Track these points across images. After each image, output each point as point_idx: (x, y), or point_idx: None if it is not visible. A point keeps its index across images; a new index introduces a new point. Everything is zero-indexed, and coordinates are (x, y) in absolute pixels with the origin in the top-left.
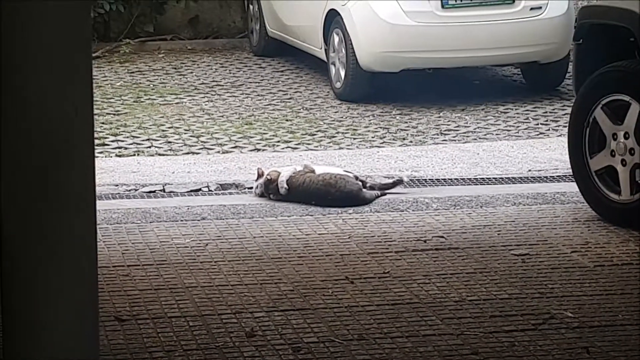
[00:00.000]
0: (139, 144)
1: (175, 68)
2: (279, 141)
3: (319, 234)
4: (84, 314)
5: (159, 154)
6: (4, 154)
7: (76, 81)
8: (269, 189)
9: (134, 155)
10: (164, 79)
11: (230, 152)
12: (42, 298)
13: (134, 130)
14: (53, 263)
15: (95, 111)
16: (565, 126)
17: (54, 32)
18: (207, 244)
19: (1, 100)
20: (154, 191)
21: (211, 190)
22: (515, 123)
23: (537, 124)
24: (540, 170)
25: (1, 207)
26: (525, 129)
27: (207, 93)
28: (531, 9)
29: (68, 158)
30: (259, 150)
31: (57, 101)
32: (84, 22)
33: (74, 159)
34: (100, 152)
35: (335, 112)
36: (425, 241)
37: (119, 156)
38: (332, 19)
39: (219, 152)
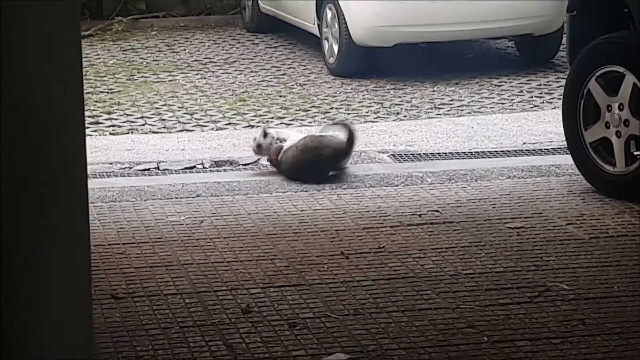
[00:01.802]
0: (133, 122)
1: (168, 45)
2: (272, 117)
3: (314, 210)
4: (78, 309)
5: (153, 132)
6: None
7: (65, 60)
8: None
9: (128, 133)
10: (157, 57)
11: (224, 129)
12: (36, 293)
13: (128, 109)
14: (46, 251)
15: (89, 90)
16: (559, 99)
17: (42, 11)
18: (202, 221)
19: None
20: (149, 169)
21: (205, 168)
22: (509, 96)
23: (532, 97)
24: (535, 143)
25: None
26: (519, 102)
27: (200, 70)
28: None
29: (58, 140)
30: (252, 127)
31: (46, 81)
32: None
33: (64, 141)
34: (94, 131)
35: (329, 88)
36: (420, 215)
37: (113, 134)
38: None
39: (212, 129)
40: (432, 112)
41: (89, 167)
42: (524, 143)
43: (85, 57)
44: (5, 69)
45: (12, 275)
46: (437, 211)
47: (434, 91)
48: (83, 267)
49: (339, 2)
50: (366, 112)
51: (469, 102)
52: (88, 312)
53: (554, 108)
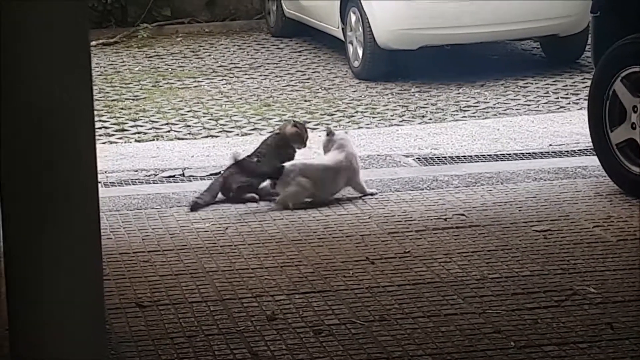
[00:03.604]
0: (158, 128)
1: (193, 51)
2: None
3: (339, 215)
4: (90, 311)
5: (178, 138)
6: (3, 146)
7: (74, 70)
8: None
9: (153, 140)
10: (182, 63)
11: (249, 134)
12: (47, 295)
13: (153, 115)
14: (57, 256)
15: (114, 97)
16: (585, 99)
17: (50, 20)
18: (227, 228)
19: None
20: (174, 176)
21: None
22: (535, 97)
23: (558, 98)
24: (561, 145)
25: (3, 202)
26: (545, 103)
27: (225, 75)
28: None
29: (68, 149)
30: None
31: (55, 91)
32: (80, 10)
33: (74, 150)
34: (120, 138)
35: (354, 92)
36: (445, 219)
37: (138, 141)
38: None
39: (237, 134)
40: (457, 114)
41: (114, 174)
42: (550, 145)
43: (111, 64)
44: (14, 81)
45: (23, 277)
46: (462, 215)
47: (459, 93)
48: (94, 269)
49: (363, 5)
50: (391, 116)
51: (495, 104)
52: (100, 316)
53: (580, 109)
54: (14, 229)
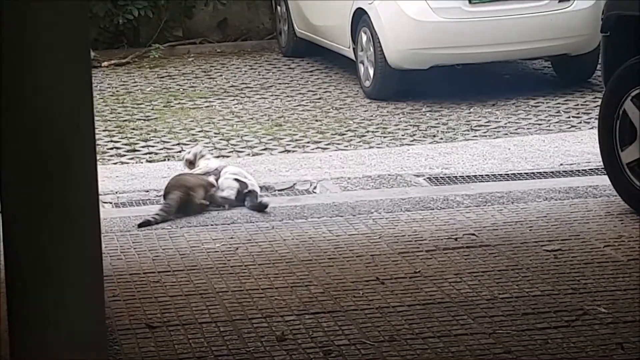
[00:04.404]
0: (169, 148)
1: (204, 71)
2: (308, 142)
3: (349, 235)
4: (91, 313)
5: None
6: (5, 161)
7: (76, 90)
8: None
9: (164, 160)
10: (193, 83)
11: (260, 154)
12: (49, 298)
13: (164, 135)
14: (59, 265)
15: (126, 117)
16: (597, 119)
17: (51, 40)
18: (237, 248)
19: (1, 109)
20: None
21: None
22: (546, 117)
23: (569, 117)
24: (572, 164)
25: (4, 217)
26: (556, 122)
27: (236, 95)
28: (559, 1)
29: (69, 168)
30: (288, 151)
31: (56, 112)
32: (81, 30)
33: (75, 169)
34: (131, 158)
35: (365, 111)
36: (456, 239)
37: (150, 162)
38: (360, 18)
39: (248, 154)
40: (468, 134)
41: (125, 194)
42: (561, 164)
43: (123, 84)
44: (17, 99)
45: (25, 290)
46: (473, 234)
47: (470, 113)
48: (97, 285)
49: (374, 25)
50: (402, 135)
51: (506, 124)
52: (100, 320)
53: (591, 128)
54: (14, 235)
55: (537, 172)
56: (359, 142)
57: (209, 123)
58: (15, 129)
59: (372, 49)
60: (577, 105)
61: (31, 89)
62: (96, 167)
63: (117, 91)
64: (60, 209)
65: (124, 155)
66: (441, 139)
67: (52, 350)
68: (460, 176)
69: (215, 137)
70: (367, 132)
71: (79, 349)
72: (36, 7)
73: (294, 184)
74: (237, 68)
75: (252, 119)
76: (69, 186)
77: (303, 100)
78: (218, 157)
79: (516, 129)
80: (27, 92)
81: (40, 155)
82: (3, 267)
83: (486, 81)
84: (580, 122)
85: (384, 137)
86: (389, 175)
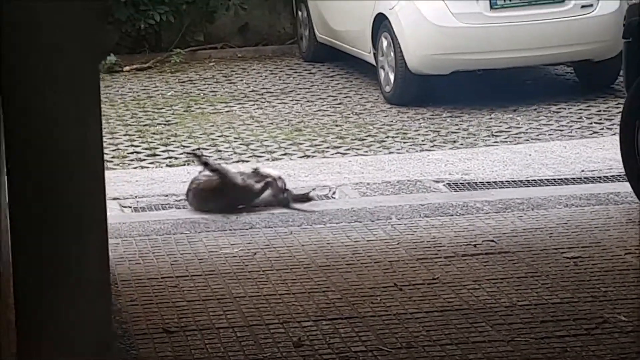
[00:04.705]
0: (190, 153)
1: (225, 76)
2: (328, 147)
3: (368, 241)
4: (98, 317)
5: None
6: (12, 166)
7: (83, 97)
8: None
9: (184, 165)
10: (214, 88)
11: (280, 159)
12: (57, 302)
13: (184, 140)
14: (66, 269)
15: (146, 122)
16: (619, 125)
17: (58, 40)
18: (255, 253)
19: (6, 116)
20: None
21: None
22: (568, 123)
23: (591, 123)
24: (594, 171)
25: (12, 222)
26: (578, 128)
27: (256, 100)
28: (582, 6)
29: (76, 172)
30: (308, 157)
31: (64, 118)
32: (87, 30)
33: (82, 173)
34: (151, 163)
35: (385, 116)
36: (475, 245)
37: (170, 166)
38: (380, 23)
39: (268, 159)
40: (489, 139)
41: (144, 199)
42: (583, 170)
43: (144, 89)
44: (22, 108)
45: (32, 291)
46: (492, 241)
47: (491, 118)
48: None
49: (394, 30)
50: (422, 141)
51: (527, 130)
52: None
53: (614, 134)
54: (22, 239)
55: (558, 179)
56: (379, 147)
57: (229, 128)
58: (22, 132)
59: (392, 54)
60: (600, 111)
61: (36, 93)
62: (103, 171)
63: (138, 95)
64: (68, 213)
65: (144, 160)
66: (461, 144)
67: (60, 354)
68: (480, 182)
69: (235, 142)
70: (387, 137)
71: (87, 353)
72: (37, 7)
73: (312, 190)
74: (258, 73)
75: (272, 123)
76: (76, 190)
77: (323, 105)
78: (238, 161)
79: (537, 135)
80: (31, 97)
81: (47, 159)
82: (11, 271)
83: (507, 87)
84: (603, 129)
85: (404, 142)
86: (409, 180)
